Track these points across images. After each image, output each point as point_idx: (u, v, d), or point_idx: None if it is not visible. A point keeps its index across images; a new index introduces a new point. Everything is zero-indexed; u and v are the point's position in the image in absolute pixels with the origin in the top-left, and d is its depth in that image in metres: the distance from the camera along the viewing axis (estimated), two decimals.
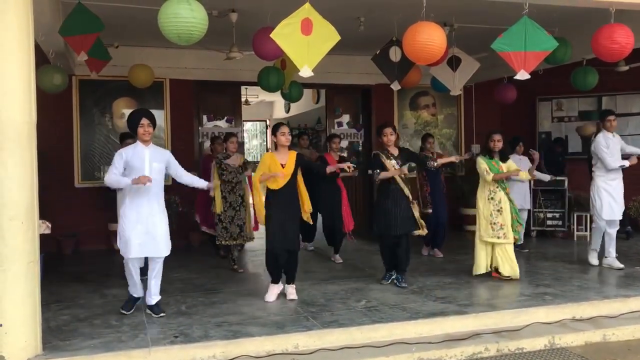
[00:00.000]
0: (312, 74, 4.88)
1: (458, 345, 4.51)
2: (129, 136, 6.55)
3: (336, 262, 7.33)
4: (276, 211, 5.36)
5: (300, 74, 4.90)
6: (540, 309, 5.12)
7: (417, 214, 5.93)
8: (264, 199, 5.43)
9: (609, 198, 6.56)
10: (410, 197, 5.89)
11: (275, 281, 5.50)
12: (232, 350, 4.28)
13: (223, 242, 6.72)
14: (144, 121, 4.83)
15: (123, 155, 4.82)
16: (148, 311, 5.02)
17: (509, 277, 6.12)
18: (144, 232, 4.80)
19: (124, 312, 4.93)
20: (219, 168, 6.70)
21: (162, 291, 5.15)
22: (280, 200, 5.37)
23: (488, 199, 6.13)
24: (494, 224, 6.08)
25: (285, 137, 5.41)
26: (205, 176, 7.39)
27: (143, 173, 4.76)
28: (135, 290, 5.04)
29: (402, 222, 5.80)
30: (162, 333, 4.49)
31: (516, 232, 6.20)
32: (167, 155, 5.03)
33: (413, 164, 5.93)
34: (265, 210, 5.40)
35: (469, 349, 4.50)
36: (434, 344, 4.53)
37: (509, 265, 6.12)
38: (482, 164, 6.19)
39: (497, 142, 6.16)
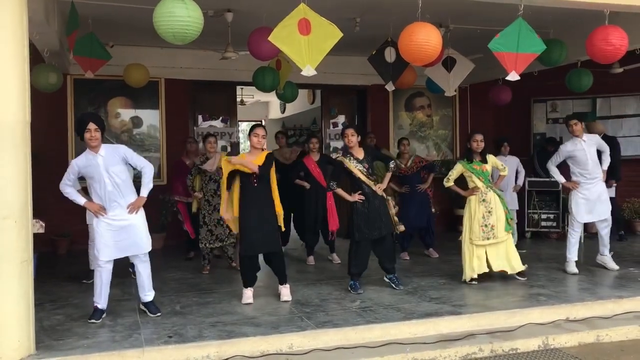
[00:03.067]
0: (315, 72, 4.89)
1: (452, 346, 4.51)
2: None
3: (334, 262, 7.31)
4: (250, 214, 5.24)
5: (303, 73, 4.90)
6: (534, 310, 5.13)
7: (392, 211, 5.85)
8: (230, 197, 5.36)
9: (584, 201, 6.46)
10: (385, 196, 5.83)
11: (249, 285, 5.44)
12: (227, 350, 4.28)
13: (207, 245, 6.69)
14: (91, 126, 4.60)
15: (75, 167, 4.71)
16: (142, 308, 5.01)
17: (523, 277, 6.11)
18: (120, 233, 4.75)
19: (93, 321, 4.74)
20: (198, 172, 6.68)
21: (157, 291, 5.14)
22: (254, 203, 5.25)
23: (480, 202, 6.09)
24: (485, 226, 6.06)
25: (257, 139, 5.29)
26: (178, 180, 7.40)
27: (101, 179, 4.68)
28: (100, 301, 4.83)
29: (381, 223, 5.72)
30: (156, 333, 4.48)
31: (509, 227, 6.12)
32: (121, 151, 4.80)
33: (392, 165, 5.90)
34: (239, 213, 5.30)
35: (463, 349, 4.50)
36: (428, 344, 4.53)
37: (510, 262, 6.08)
38: (455, 169, 6.21)
39: (480, 143, 6.09)
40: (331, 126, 10.33)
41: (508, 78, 5.39)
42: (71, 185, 4.76)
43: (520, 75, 5.42)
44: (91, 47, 6.38)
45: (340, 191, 5.81)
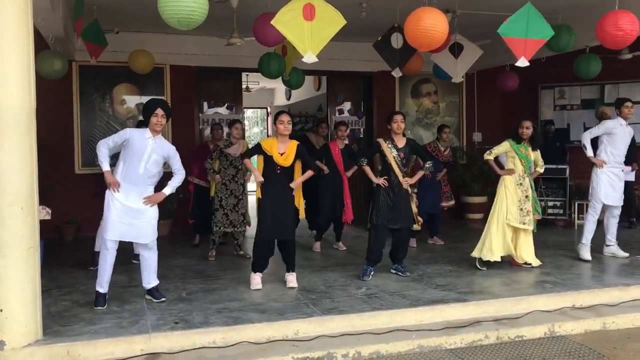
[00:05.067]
0: (317, 59, 4.85)
1: (458, 333, 4.52)
2: (143, 124, 6.59)
3: (340, 249, 7.33)
4: (269, 200, 5.31)
5: (304, 60, 4.86)
6: (540, 297, 5.13)
7: (414, 208, 5.92)
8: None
9: (608, 184, 6.45)
10: (410, 191, 5.87)
11: (259, 270, 5.46)
12: (233, 336, 4.29)
13: (222, 229, 6.72)
14: (159, 111, 4.78)
15: (128, 133, 4.79)
16: (148, 297, 5.03)
17: (529, 264, 6.10)
18: (129, 218, 4.77)
19: (99, 307, 4.77)
20: (219, 156, 6.70)
21: (163, 277, 5.15)
22: (274, 190, 5.32)
23: (517, 185, 6.06)
24: (521, 209, 6.03)
25: (283, 126, 5.30)
26: (196, 163, 7.41)
27: (140, 159, 4.75)
28: (103, 284, 4.83)
29: (401, 215, 5.75)
30: (162, 319, 4.50)
31: (532, 221, 6.11)
32: (169, 150, 4.94)
33: (429, 165, 5.91)
34: (259, 199, 5.37)
35: (468, 336, 4.50)
36: (434, 331, 4.53)
37: (530, 253, 6.11)
38: (502, 145, 6.18)
39: (526, 130, 6.07)
40: (337, 113, 10.28)
41: (518, 64, 5.35)
42: (108, 149, 4.76)
43: (528, 61, 5.37)
44: (95, 33, 6.37)
45: (367, 169, 5.84)
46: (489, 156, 6.18)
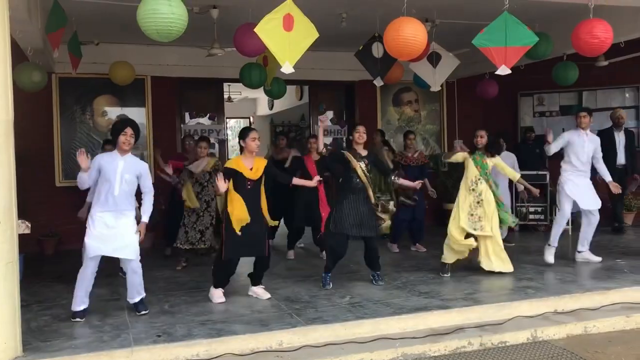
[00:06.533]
0: (293, 70, 4.87)
1: (442, 340, 4.53)
2: (109, 142, 6.56)
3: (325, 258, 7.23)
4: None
5: (282, 70, 4.88)
6: (522, 303, 5.16)
7: (386, 213, 5.98)
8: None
9: (575, 189, 6.51)
10: (372, 199, 5.83)
11: (221, 287, 5.37)
12: (216, 348, 4.26)
13: (179, 245, 6.71)
14: (128, 130, 4.79)
15: (97, 160, 4.82)
16: (131, 303, 5.01)
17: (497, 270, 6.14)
18: (111, 234, 4.73)
19: (77, 319, 4.74)
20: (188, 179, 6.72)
21: (146, 290, 5.09)
22: (247, 206, 5.19)
23: (469, 190, 6.12)
24: (472, 215, 6.08)
25: (255, 143, 5.26)
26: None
27: (113, 183, 4.73)
28: (77, 304, 4.80)
29: (363, 224, 5.71)
30: (144, 332, 4.46)
31: (507, 221, 6.19)
32: (141, 168, 4.93)
33: (394, 176, 6.04)
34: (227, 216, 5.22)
35: (452, 343, 4.52)
36: (417, 339, 4.54)
37: (496, 259, 6.13)
38: (459, 153, 6.36)
39: (480, 138, 6.18)
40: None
41: (498, 72, 5.39)
42: (90, 179, 4.77)
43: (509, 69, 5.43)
44: (74, 45, 6.34)
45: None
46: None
